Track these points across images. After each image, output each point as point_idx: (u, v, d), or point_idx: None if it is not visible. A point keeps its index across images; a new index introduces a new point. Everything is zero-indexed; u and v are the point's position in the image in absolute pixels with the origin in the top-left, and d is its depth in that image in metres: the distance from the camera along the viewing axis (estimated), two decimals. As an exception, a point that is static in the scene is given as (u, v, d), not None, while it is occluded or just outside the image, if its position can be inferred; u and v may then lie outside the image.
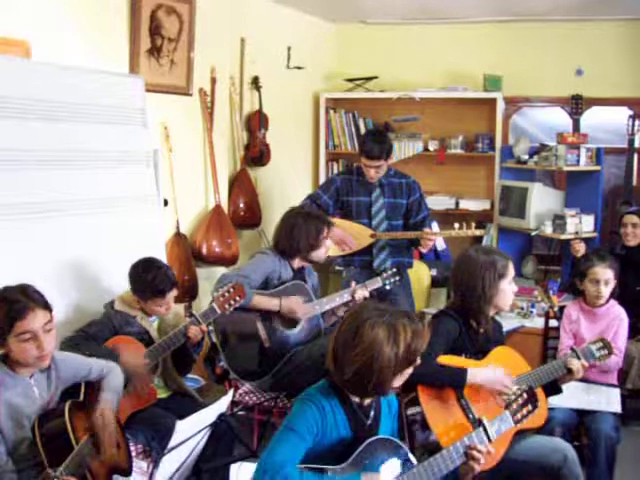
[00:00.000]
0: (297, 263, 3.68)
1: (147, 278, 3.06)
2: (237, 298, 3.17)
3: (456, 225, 3.98)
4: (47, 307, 2.41)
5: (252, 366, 3.49)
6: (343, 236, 4.16)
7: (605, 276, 3.45)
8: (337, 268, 5.41)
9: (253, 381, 3.54)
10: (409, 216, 4.25)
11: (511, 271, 2.87)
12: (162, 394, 3.16)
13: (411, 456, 2.24)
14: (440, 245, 5.53)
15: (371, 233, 4.17)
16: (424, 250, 4.17)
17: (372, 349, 2.09)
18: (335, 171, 5.89)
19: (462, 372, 2.66)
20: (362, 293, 3.65)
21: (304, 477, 2.00)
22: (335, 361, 2.17)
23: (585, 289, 3.53)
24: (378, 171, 4.14)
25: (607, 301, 3.50)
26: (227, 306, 3.16)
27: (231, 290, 3.17)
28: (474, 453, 2.22)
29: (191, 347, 3.15)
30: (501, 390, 2.71)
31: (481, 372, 2.70)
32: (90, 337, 2.95)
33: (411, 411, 2.66)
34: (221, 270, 4.53)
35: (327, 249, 3.72)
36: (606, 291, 3.47)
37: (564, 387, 3.01)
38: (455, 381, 2.67)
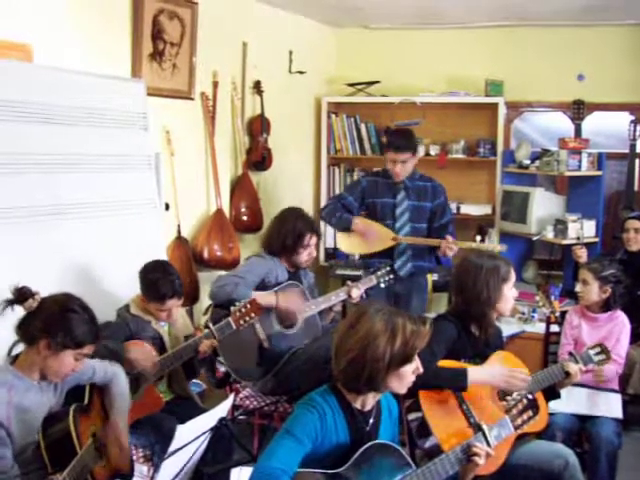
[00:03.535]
0: (285, 265, 3.67)
1: (151, 278, 3.07)
2: (252, 315, 3.18)
3: (478, 238, 4.00)
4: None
5: (252, 367, 3.49)
6: (365, 229, 4.14)
7: (582, 276, 3.53)
8: (338, 272, 5.43)
9: (254, 381, 3.53)
10: (433, 219, 4.21)
11: (513, 276, 2.89)
12: (165, 397, 3.15)
13: (410, 461, 2.23)
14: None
15: (393, 236, 4.12)
16: (442, 255, 4.08)
17: (367, 339, 2.10)
18: (337, 175, 5.92)
19: (462, 374, 2.65)
20: (357, 291, 3.67)
21: None
22: (335, 352, 2.18)
23: None
24: (404, 167, 4.09)
25: (608, 308, 3.50)
26: (242, 322, 3.17)
27: (247, 306, 3.17)
28: (473, 450, 2.23)
29: (198, 361, 3.18)
30: (510, 383, 2.67)
31: (480, 370, 2.70)
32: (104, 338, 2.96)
33: (411, 417, 2.65)
34: (222, 274, 4.53)
35: (309, 258, 3.69)
36: (586, 291, 3.49)
37: (566, 392, 3.01)
38: (456, 383, 2.65)
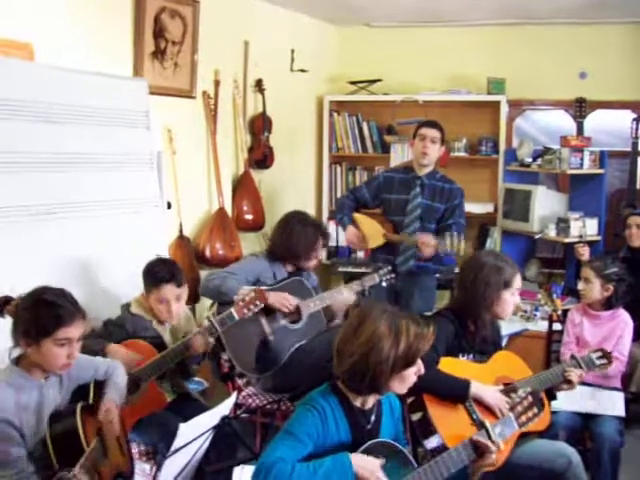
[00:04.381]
0: (289, 268, 3.69)
1: (150, 267, 3.07)
2: (257, 303, 3.09)
3: (447, 240, 3.75)
4: (85, 318, 2.42)
5: (257, 359, 3.46)
6: (358, 233, 4.17)
7: (584, 274, 3.54)
8: (340, 270, 5.43)
9: (256, 374, 3.51)
10: (441, 220, 4.16)
11: (517, 282, 2.84)
12: (169, 397, 3.12)
13: (412, 459, 2.23)
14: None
15: (383, 233, 4.12)
16: (423, 255, 3.93)
17: (371, 342, 2.09)
18: (339, 174, 5.92)
19: (465, 386, 2.65)
20: (357, 288, 3.71)
21: (296, 468, 1.98)
22: (337, 354, 2.17)
23: None
24: (433, 147, 4.06)
25: (610, 306, 3.49)
26: (246, 311, 3.07)
27: (252, 294, 3.09)
28: (483, 447, 2.23)
29: (190, 361, 3.08)
30: (500, 409, 2.67)
31: (483, 388, 2.68)
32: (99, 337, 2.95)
33: (414, 415, 2.65)
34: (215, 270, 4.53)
35: (319, 261, 3.72)
36: (588, 289, 3.50)
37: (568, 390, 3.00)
38: (457, 392, 2.65)
